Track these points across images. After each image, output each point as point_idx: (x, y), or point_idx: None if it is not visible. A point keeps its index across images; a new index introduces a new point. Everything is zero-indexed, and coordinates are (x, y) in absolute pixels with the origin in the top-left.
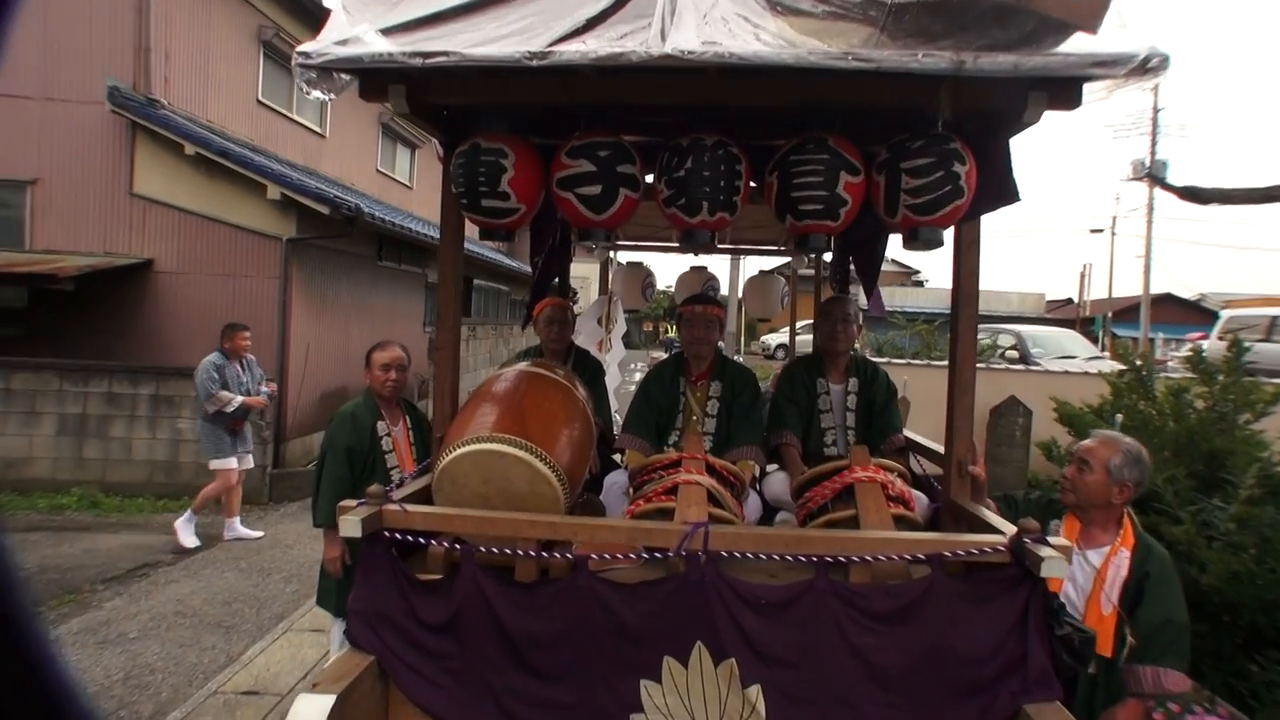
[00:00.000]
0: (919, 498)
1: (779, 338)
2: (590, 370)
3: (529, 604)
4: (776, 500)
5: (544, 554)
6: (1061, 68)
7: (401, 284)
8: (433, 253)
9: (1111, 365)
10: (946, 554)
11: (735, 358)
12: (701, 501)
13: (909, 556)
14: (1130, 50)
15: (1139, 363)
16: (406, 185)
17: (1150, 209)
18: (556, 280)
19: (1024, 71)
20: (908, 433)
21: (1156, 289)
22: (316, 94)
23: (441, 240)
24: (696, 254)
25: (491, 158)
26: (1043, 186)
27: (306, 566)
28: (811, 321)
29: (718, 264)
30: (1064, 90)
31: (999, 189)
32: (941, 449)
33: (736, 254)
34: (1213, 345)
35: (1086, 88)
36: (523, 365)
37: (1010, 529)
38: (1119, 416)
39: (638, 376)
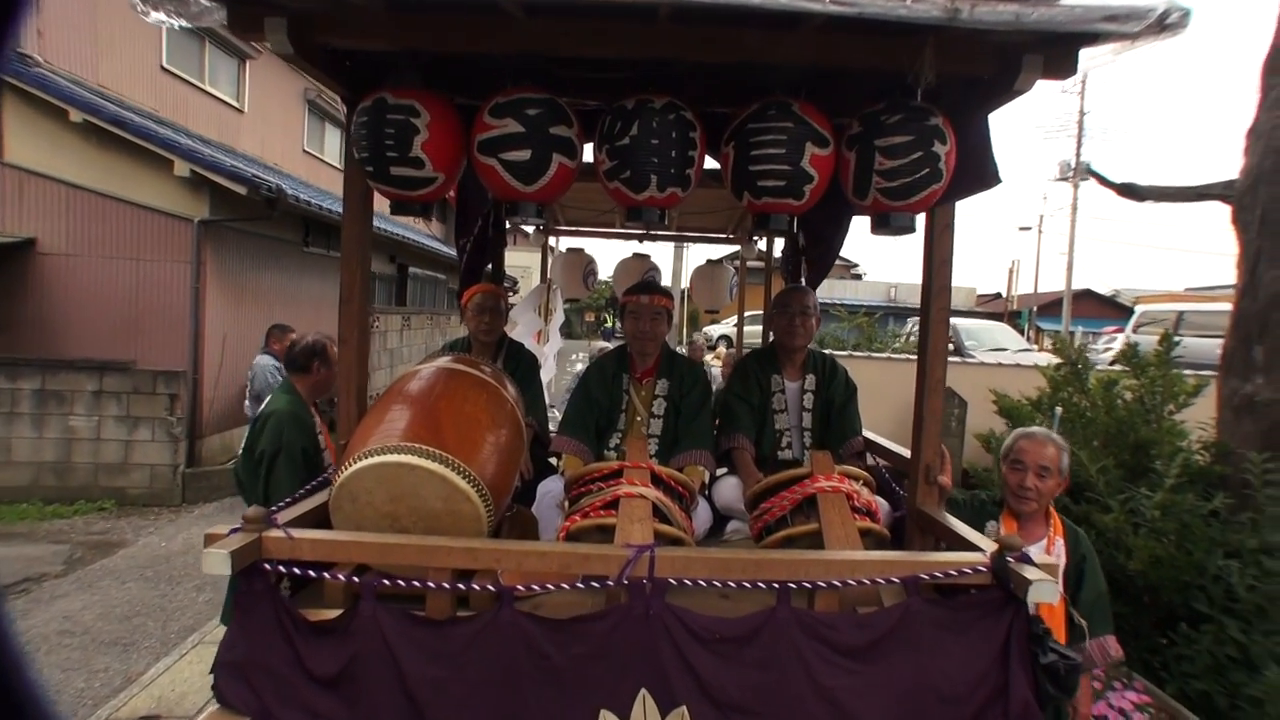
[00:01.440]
0: (880, 504)
1: (721, 329)
2: (524, 365)
3: (440, 647)
4: (728, 509)
5: (461, 585)
6: (1069, 22)
7: (331, 271)
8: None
9: (1038, 358)
10: (923, 576)
11: (679, 349)
12: (646, 518)
13: (881, 579)
14: (1147, 4)
15: (1075, 357)
16: (336, 168)
17: (1074, 208)
18: (490, 267)
19: (1026, 25)
20: (867, 433)
21: (1077, 285)
22: (160, 17)
23: (345, 214)
24: (641, 240)
25: (401, 116)
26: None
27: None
28: (760, 313)
29: (660, 252)
30: (1061, 53)
31: (978, 170)
32: (901, 450)
33: (681, 241)
34: (1129, 338)
35: (1090, 52)
36: (443, 361)
37: (987, 544)
38: (1058, 409)
39: (579, 368)
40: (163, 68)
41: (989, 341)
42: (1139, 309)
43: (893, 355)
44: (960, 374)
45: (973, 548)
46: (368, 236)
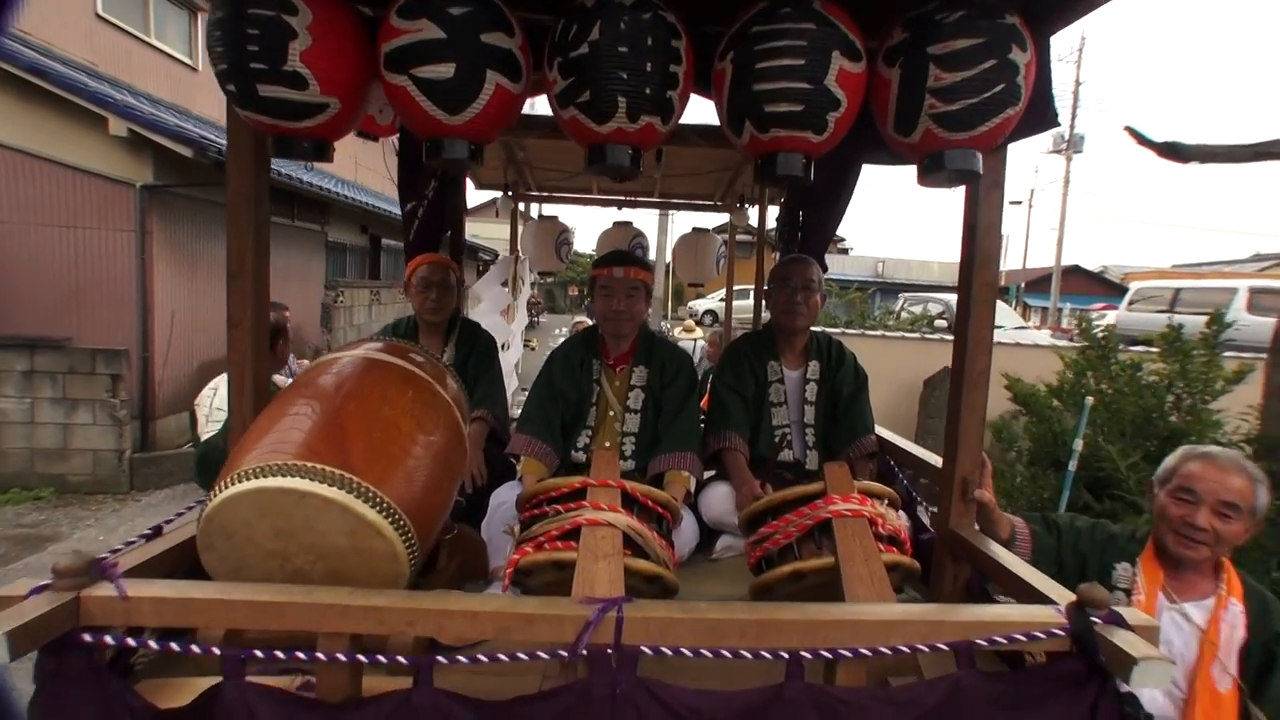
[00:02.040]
0: (904, 522)
1: (707, 303)
2: (480, 349)
3: None
4: (718, 522)
5: (362, 656)
6: None
7: (296, 242)
8: (333, 208)
9: (1036, 336)
10: (980, 642)
11: (663, 326)
12: (614, 553)
13: (922, 645)
14: None
15: (1102, 337)
16: None
17: (1067, 182)
18: (449, 235)
19: None
20: (881, 431)
21: (1065, 261)
22: None
23: (230, 161)
24: (620, 207)
25: (268, 11)
26: None
27: None
28: (749, 288)
29: (644, 222)
30: None
31: (1040, 105)
32: (922, 453)
33: (664, 208)
34: (1122, 315)
35: None
36: (365, 348)
37: (1056, 591)
38: (1089, 400)
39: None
40: (98, 15)
41: None
42: (1133, 286)
43: (887, 334)
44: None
45: (1033, 593)
46: (263, 190)
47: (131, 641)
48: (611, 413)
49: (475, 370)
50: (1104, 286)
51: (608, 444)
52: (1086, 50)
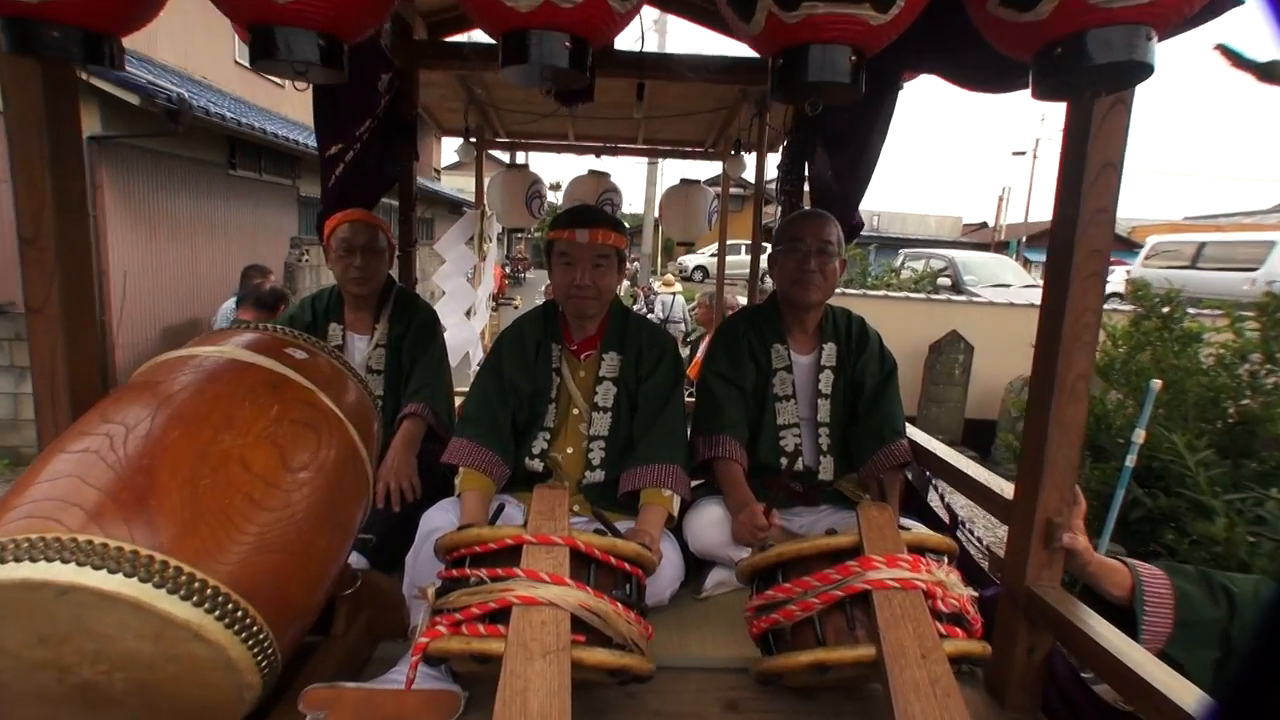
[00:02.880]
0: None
1: (698, 258)
2: (418, 325)
3: None
4: (707, 553)
5: None
6: None
7: (265, 197)
8: (305, 160)
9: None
10: None
11: (651, 283)
12: (557, 647)
13: None
14: None
15: (1165, 304)
16: (276, 83)
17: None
18: (399, 195)
19: None
20: (915, 434)
21: None
22: None
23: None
24: (598, 155)
25: None
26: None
27: None
28: (745, 242)
29: (632, 179)
30: None
31: None
32: (978, 475)
33: (650, 155)
34: (1137, 273)
35: None
36: (229, 343)
37: (1186, 690)
38: (1155, 383)
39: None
40: None
41: (989, 277)
42: (1150, 240)
43: (890, 294)
44: (966, 315)
45: (1167, 706)
46: (65, 115)
47: None
48: (575, 411)
49: (411, 353)
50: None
51: (570, 450)
52: None
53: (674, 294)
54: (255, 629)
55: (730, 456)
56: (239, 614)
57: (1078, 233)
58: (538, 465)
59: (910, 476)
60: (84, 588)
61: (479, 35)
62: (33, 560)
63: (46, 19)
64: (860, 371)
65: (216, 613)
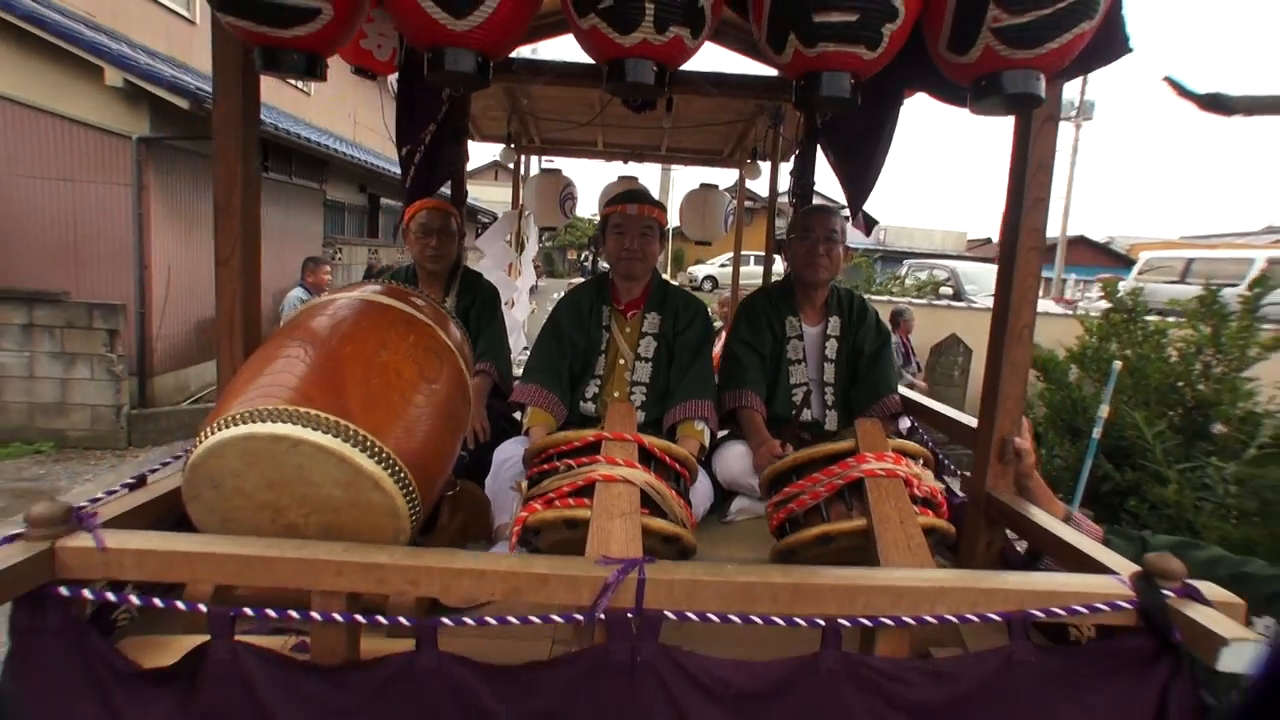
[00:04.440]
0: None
1: (707, 269)
2: (483, 298)
3: (333, 705)
4: (733, 483)
5: (360, 617)
6: None
7: (294, 199)
8: (332, 166)
9: (1045, 305)
10: (1036, 613)
11: None
12: (631, 512)
13: (971, 615)
14: None
15: (1130, 302)
16: (303, 91)
17: (1075, 150)
18: (450, 188)
19: None
20: (905, 390)
21: (1070, 231)
22: None
23: (216, 86)
24: (626, 161)
25: None
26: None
27: None
28: (759, 253)
29: (648, 179)
30: None
31: (1111, 33)
32: (952, 413)
33: (672, 162)
34: (1130, 285)
35: None
36: (364, 290)
37: (1117, 562)
38: (1117, 364)
39: None
40: None
41: (989, 286)
42: (1143, 255)
43: (893, 299)
44: (965, 320)
45: (1089, 563)
46: (252, 114)
47: (112, 596)
48: (622, 361)
49: (478, 321)
50: (1110, 258)
51: (617, 394)
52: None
53: None
54: (410, 489)
55: (751, 406)
56: (401, 474)
57: (1022, 215)
58: (590, 408)
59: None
60: (309, 442)
61: (525, 51)
62: (273, 421)
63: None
64: (860, 340)
65: (389, 470)
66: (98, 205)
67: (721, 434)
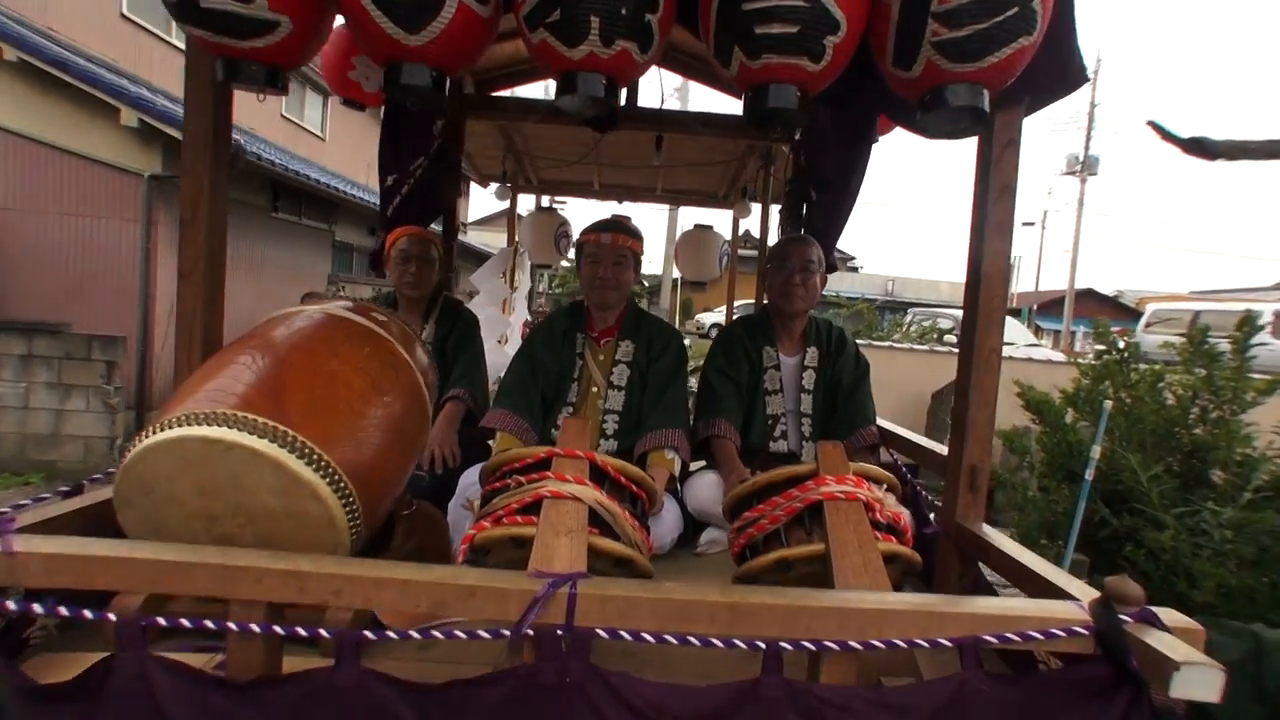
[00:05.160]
0: (905, 515)
1: (715, 316)
2: (462, 325)
3: None
4: (703, 513)
5: (279, 629)
6: None
7: (303, 240)
8: (342, 207)
9: (1050, 354)
10: (989, 639)
11: None
12: (577, 529)
13: (921, 640)
14: None
15: (1123, 345)
16: (318, 136)
17: (1081, 204)
18: (442, 222)
19: None
20: (883, 422)
21: (1079, 284)
22: None
23: (187, 95)
24: (620, 201)
25: None
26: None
27: None
28: (752, 301)
29: (652, 226)
30: None
31: (1061, 61)
32: (930, 444)
33: (667, 203)
34: (1138, 337)
35: None
36: (326, 305)
37: (1078, 589)
38: (1107, 404)
39: None
40: (122, 15)
41: None
42: (1150, 308)
43: (894, 345)
44: None
45: (1053, 589)
46: (223, 128)
47: (11, 605)
48: (595, 388)
49: (456, 348)
50: (1118, 311)
51: (589, 421)
52: (1102, 72)
53: None
54: (352, 501)
55: (725, 435)
56: (341, 485)
57: (985, 240)
58: (579, 417)
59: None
60: (244, 446)
61: (520, 91)
62: (207, 425)
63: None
64: (838, 371)
65: (328, 480)
66: (107, 240)
67: (697, 464)
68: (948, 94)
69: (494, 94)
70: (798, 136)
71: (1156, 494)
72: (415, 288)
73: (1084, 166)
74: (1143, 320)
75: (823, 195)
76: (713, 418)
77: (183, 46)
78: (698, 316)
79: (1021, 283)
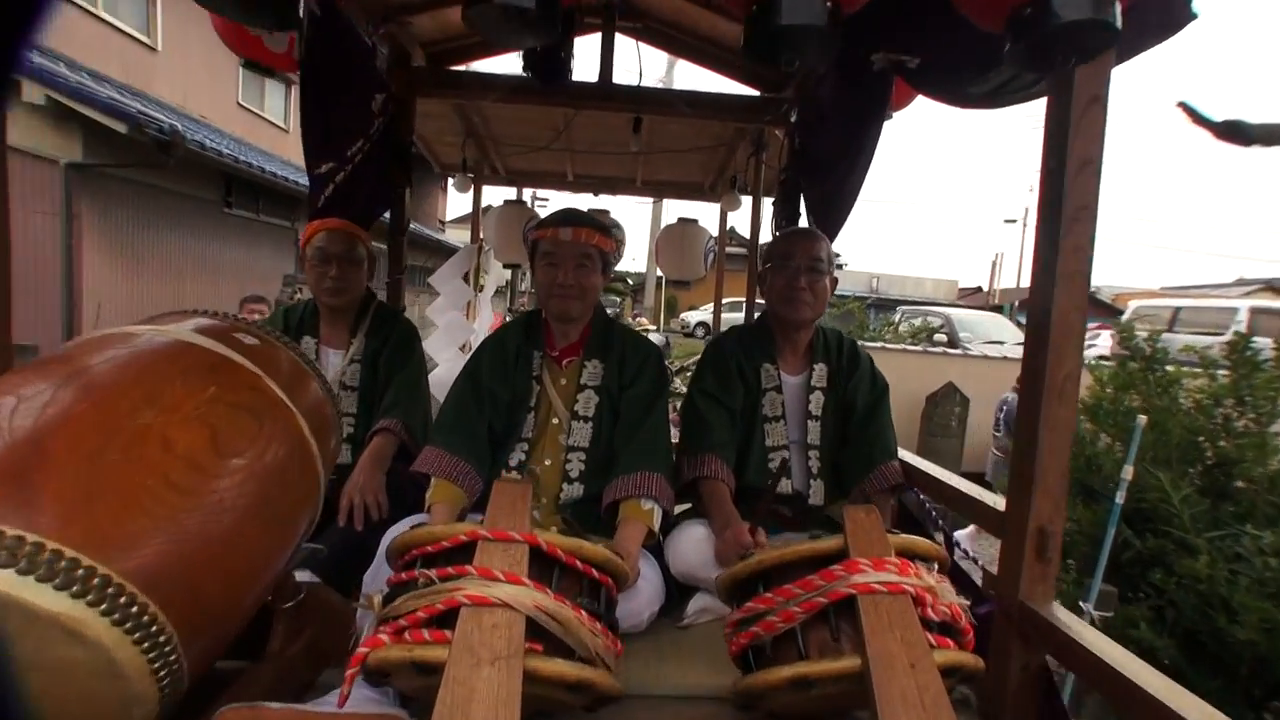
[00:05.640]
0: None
1: (700, 314)
2: (396, 340)
3: None
4: (690, 576)
5: None
6: None
7: (262, 238)
8: (304, 204)
9: None
10: None
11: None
12: (510, 653)
13: None
14: None
15: (1149, 350)
16: (280, 127)
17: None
18: (390, 217)
19: None
20: (906, 456)
21: None
22: None
23: None
24: (597, 194)
25: None
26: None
27: None
28: (742, 300)
29: (635, 221)
30: None
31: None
32: (973, 490)
33: (649, 195)
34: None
35: None
36: (173, 324)
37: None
38: (1141, 419)
39: None
40: None
41: (983, 334)
42: (1132, 305)
43: (887, 345)
44: (963, 368)
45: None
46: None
47: None
48: (555, 420)
49: (388, 367)
50: (1096, 306)
51: (549, 462)
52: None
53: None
54: (154, 629)
55: (716, 476)
56: (133, 609)
57: (1061, 231)
58: (514, 478)
59: (912, 510)
60: None
61: (477, 65)
62: None
63: None
64: (851, 393)
65: (102, 606)
66: (20, 235)
67: (680, 509)
68: (1058, 2)
69: (449, 69)
70: (794, 118)
71: (1188, 516)
72: (338, 294)
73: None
74: (1124, 317)
75: (823, 182)
76: (701, 453)
77: (115, 22)
78: (683, 315)
79: (1004, 278)
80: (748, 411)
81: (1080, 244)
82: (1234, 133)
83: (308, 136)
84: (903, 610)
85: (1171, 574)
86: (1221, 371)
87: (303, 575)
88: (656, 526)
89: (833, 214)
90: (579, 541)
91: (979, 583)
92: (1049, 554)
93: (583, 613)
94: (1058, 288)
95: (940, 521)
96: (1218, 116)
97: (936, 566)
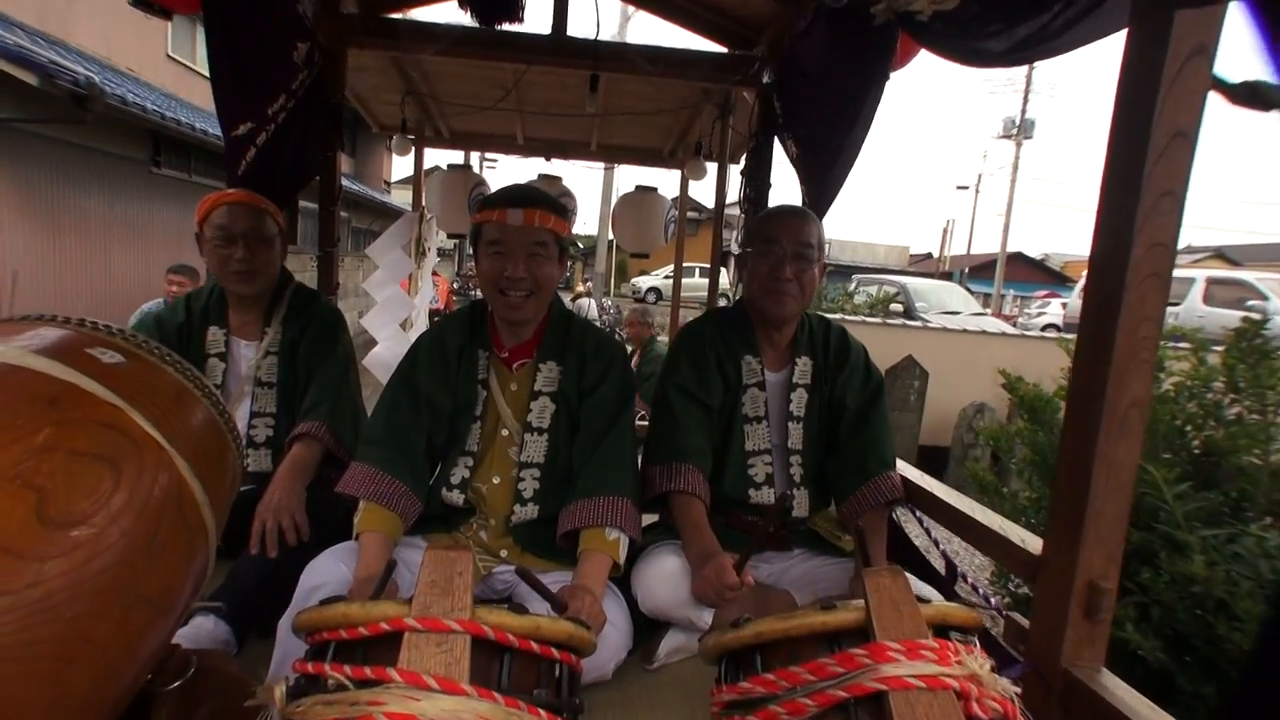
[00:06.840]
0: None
1: (651, 280)
2: (317, 328)
3: None
4: (661, 612)
5: None
6: None
7: (194, 199)
8: None
9: (993, 323)
10: None
11: (588, 306)
12: None
13: None
14: None
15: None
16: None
17: (1015, 168)
18: (320, 183)
19: None
20: (906, 469)
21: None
22: None
23: None
24: (549, 158)
25: None
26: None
27: None
28: (703, 265)
29: (586, 188)
30: None
31: None
32: (989, 518)
33: (605, 160)
34: (1073, 304)
35: None
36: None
37: None
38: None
39: None
40: None
41: (938, 303)
42: (1084, 275)
43: (845, 317)
44: (919, 340)
45: None
46: None
47: None
48: (505, 432)
49: (308, 361)
50: (1045, 274)
51: (497, 480)
52: None
53: (585, 300)
54: None
55: (692, 491)
56: None
57: (1136, 223)
58: (457, 498)
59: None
60: None
61: (416, 14)
62: None
63: None
64: (840, 390)
65: None
66: None
67: (649, 522)
68: None
69: (384, 16)
70: (766, 78)
71: (1181, 512)
72: (246, 280)
73: (1020, 130)
74: (1077, 287)
75: (812, 152)
76: (674, 461)
77: None
78: (633, 280)
79: (955, 245)
80: (726, 410)
81: (1161, 239)
82: (1253, 97)
83: (220, 91)
84: (947, 710)
85: (1160, 573)
86: (1212, 353)
87: (202, 620)
88: (622, 559)
89: (826, 186)
90: (535, 621)
91: (995, 631)
92: (1101, 614)
93: (540, 712)
94: (1128, 293)
95: (938, 542)
96: (1234, 78)
97: (977, 641)
